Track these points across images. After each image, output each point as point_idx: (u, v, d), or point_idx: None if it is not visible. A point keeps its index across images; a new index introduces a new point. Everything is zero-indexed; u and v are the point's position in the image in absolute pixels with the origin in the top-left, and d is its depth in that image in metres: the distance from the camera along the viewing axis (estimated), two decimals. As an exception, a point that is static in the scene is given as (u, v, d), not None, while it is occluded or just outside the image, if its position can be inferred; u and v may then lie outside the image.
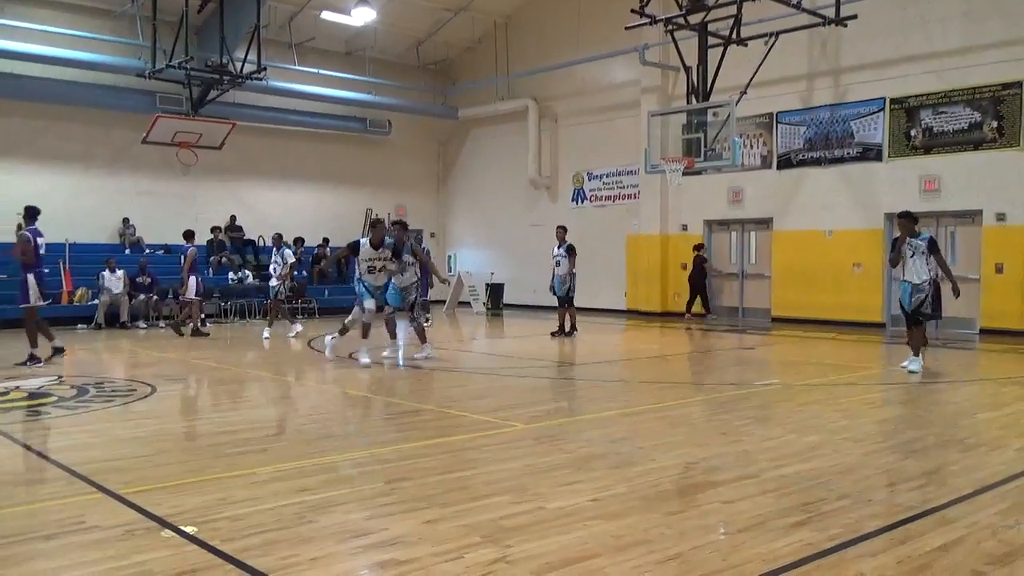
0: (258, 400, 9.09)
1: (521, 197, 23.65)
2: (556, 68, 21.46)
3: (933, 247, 10.32)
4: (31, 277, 10.88)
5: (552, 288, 15.53)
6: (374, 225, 11.86)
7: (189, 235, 15.82)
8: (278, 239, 16.03)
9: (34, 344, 10.95)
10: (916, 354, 10.39)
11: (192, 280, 15.56)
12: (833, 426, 7.03)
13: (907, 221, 10.47)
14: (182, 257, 15.74)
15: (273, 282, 15.59)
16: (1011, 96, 14.91)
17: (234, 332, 16.83)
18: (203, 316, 16.92)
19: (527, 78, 22.75)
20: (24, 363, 10.80)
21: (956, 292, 10.35)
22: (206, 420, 8.00)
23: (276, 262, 15.58)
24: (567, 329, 15.30)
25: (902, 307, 10.64)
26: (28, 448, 6.13)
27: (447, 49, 24.52)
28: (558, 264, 15.28)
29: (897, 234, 10.79)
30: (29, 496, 4.91)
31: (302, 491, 4.93)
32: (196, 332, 15.55)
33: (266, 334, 15.02)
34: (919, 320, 10.43)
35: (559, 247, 15.32)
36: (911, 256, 10.33)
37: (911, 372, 10.20)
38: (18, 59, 17.81)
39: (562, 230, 15.61)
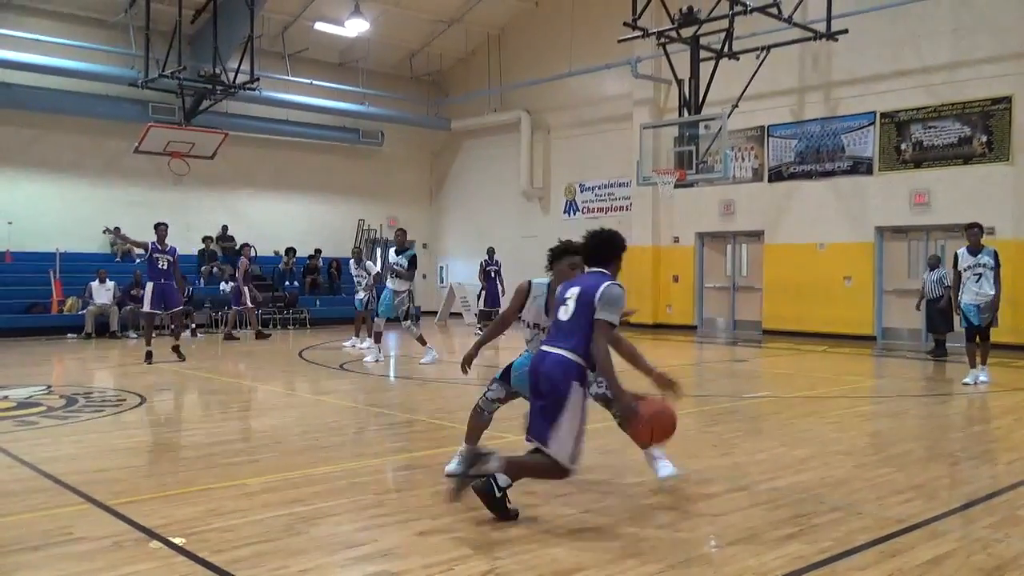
0: (249, 411, 9.05)
1: (513, 208, 23.68)
2: (549, 80, 21.51)
3: (999, 261, 10.34)
4: None
5: None
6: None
7: (243, 248, 17.35)
8: (359, 253, 16.56)
9: None
10: (984, 363, 10.48)
11: (246, 289, 16.98)
12: (824, 439, 7.04)
13: (979, 232, 10.43)
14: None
15: (360, 294, 15.61)
16: (1000, 111, 15.01)
17: (224, 342, 16.76)
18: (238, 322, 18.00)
19: (520, 90, 22.81)
20: None
21: (995, 307, 10.37)
22: (196, 431, 7.95)
23: (360, 274, 15.69)
24: None
25: (968, 325, 10.53)
26: (16, 458, 6.09)
27: (440, 60, 24.58)
28: None
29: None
30: (16, 507, 4.87)
31: (292, 502, 4.91)
32: (259, 335, 17.12)
33: (366, 344, 14.97)
34: (987, 333, 10.46)
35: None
36: (977, 279, 10.25)
37: (982, 382, 10.29)
38: (10, 68, 17.78)
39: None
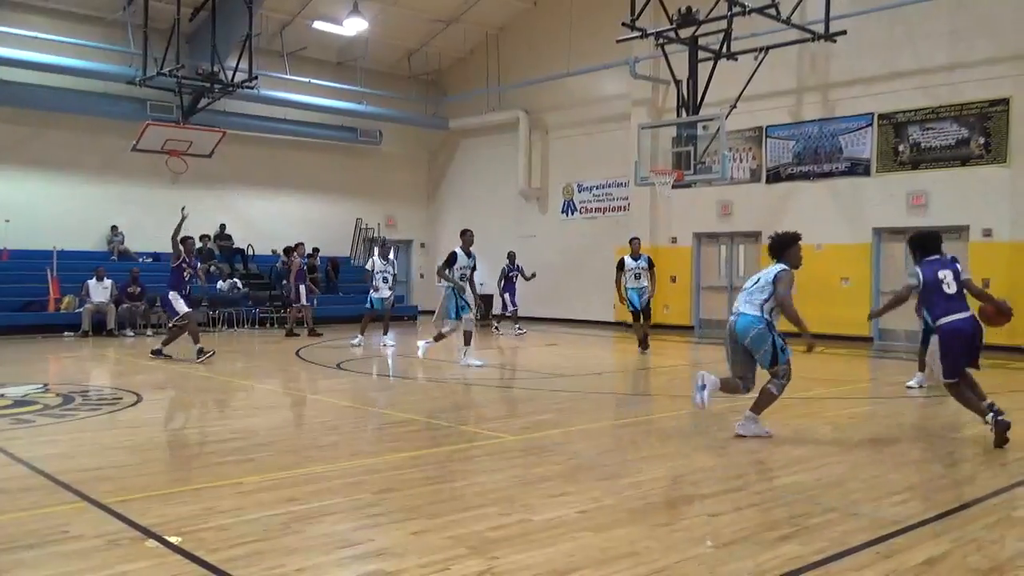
0: (245, 409, 9.04)
1: (511, 208, 23.68)
2: (547, 80, 21.53)
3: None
4: None
5: (631, 303, 14.36)
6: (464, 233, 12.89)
7: (297, 247, 17.39)
8: (386, 247, 16.41)
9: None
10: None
11: (302, 288, 16.88)
12: (820, 439, 7.06)
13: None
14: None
15: (385, 292, 15.33)
16: (998, 113, 15.04)
17: (222, 341, 16.75)
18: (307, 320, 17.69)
19: (518, 90, 22.82)
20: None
21: None
22: (192, 429, 7.95)
23: (387, 270, 15.39)
24: (646, 342, 14.67)
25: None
26: (12, 456, 6.08)
27: (439, 60, 24.59)
28: (637, 277, 14.26)
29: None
30: (12, 505, 4.87)
31: (288, 501, 4.91)
32: (312, 333, 17.02)
33: (390, 340, 14.94)
34: None
35: (638, 259, 14.32)
36: None
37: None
38: (7, 65, 17.76)
39: (637, 241, 14.91)
